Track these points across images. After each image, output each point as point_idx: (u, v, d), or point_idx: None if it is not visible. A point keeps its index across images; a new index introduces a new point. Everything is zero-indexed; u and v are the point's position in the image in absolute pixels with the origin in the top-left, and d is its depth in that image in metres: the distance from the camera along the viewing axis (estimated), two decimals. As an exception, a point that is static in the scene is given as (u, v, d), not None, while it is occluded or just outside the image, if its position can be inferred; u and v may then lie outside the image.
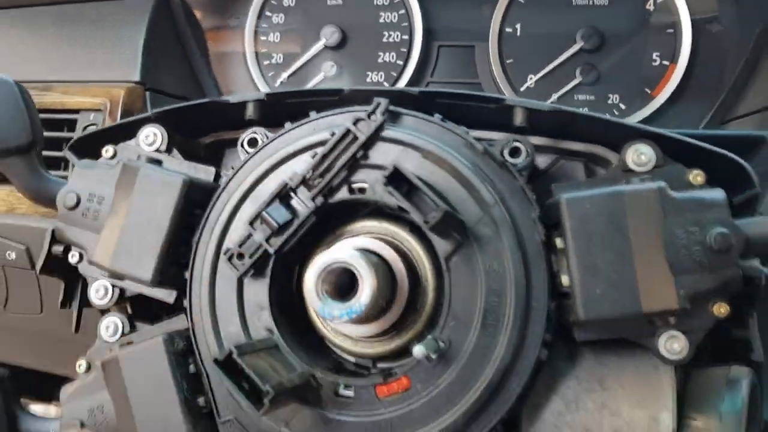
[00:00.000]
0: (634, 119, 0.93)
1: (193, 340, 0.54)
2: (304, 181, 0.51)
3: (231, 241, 0.53)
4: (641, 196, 0.48)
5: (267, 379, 0.45)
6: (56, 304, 0.68)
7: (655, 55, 0.93)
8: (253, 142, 0.58)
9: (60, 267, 0.60)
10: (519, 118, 0.54)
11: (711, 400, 0.49)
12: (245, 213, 0.53)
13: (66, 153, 0.61)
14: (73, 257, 0.59)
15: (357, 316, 0.46)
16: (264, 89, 1.02)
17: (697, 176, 0.49)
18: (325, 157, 0.51)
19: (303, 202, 0.51)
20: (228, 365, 0.45)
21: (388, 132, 0.52)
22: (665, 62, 0.92)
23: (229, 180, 0.54)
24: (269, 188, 0.52)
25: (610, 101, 0.94)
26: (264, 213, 0.51)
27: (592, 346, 0.53)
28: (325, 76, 1.01)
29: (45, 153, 0.88)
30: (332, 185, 0.52)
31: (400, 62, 1.00)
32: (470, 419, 0.49)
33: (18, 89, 0.57)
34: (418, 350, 0.47)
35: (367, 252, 0.50)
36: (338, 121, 0.53)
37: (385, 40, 1.01)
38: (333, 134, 0.51)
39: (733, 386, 0.49)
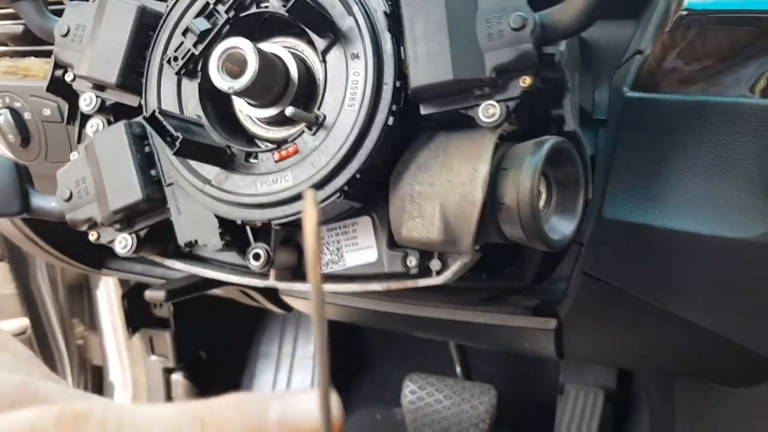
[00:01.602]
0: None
1: (145, 124, 0.72)
2: (220, 1, 0.68)
3: (172, 48, 0.70)
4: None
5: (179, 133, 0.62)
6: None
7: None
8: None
9: (61, 87, 0.80)
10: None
11: (521, 156, 0.63)
12: (180, 29, 0.70)
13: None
14: (68, 76, 0.78)
15: (242, 88, 0.62)
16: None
17: (514, -21, 0.63)
18: (233, -20, 0.68)
19: (220, 15, 0.68)
20: (153, 122, 0.63)
21: (277, -43, 0.68)
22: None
23: (172, 7, 0.72)
24: (197, 9, 0.70)
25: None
26: (189, 23, 0.68)
27: (446, 128, 0.68)
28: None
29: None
30: (244, 3, 0.68)
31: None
32: (338, 169, 0.65)
33: (23, -53, 0.76)
34: (289, 110, 0.63)
35: (264, 51, 0.66)
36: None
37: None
38: None
39: (537, 145, 0.63)
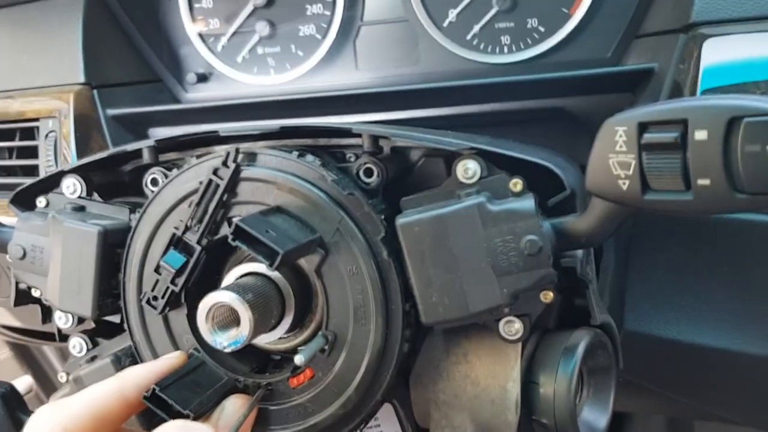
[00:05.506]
0: (554, 40, 0.95)
1: (138, 359, 0.66)
2: (188, 228, 0.61)
3: (147, 284, 0.63)
4: (460, 215, 0.55)
5: (187, 404, 0.57)
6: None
7: (569, -27, 0.93)
8: (154, 182, 0.67)
9: (30, 298, 0.73)
10: (366, 144, 0.60)
11: (551, 364, 0.59)
12: (153, 258, 0.63)
13: (9, 206, 0.71)
14: (35, 292, 0.71)
15: (242, 343, 0.56)
16: (207, 57, 1.08)
17: (516, 184, 0.56)
18: (198, 205, 0.60)
19: (192, 245, 0.61)
20: (155, 399, 0.57)
21: (246, 172, 0.60)
22: (580, -22, 0.93)
23: (136, 226, 0.64)
24: (164, 238, 0.62)
25: (529, 25, 0.96)
26: (162, 262, 0.61)
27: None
28: (260, 36, 1.05)
29: (23, 162, 0.99)
30: (215, 222, 0.61)
31: (328, 12, 1.03)
32: (362, 393, 0.60)
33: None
34: (298, 358, 0.57)
35: (251, 277, 0.60)
36: (214, 163, 0.61)
37: (310, -10, 1.03)
38: (201, 183, 0.59)
39: (568, 351, 0.58)
